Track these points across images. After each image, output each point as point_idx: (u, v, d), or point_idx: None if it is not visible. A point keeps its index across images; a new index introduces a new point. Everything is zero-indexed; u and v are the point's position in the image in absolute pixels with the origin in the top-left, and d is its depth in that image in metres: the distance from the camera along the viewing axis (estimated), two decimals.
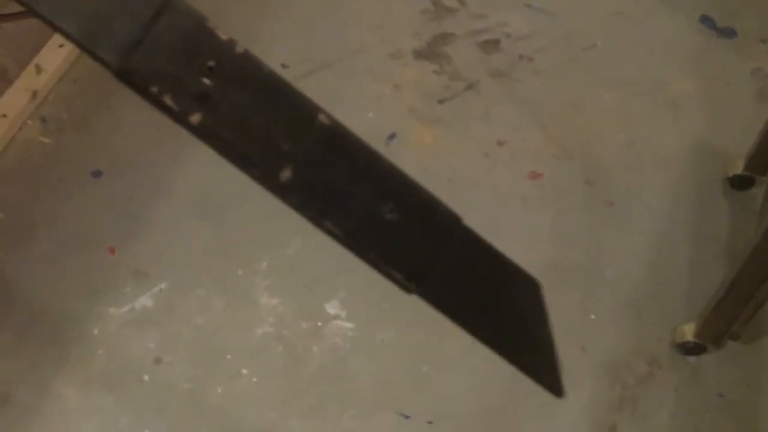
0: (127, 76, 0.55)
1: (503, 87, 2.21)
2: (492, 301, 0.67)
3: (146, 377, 1.62)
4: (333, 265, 1.80)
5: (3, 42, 1.99)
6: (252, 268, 1.79)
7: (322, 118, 0.58)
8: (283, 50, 2.19)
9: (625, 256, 1.92)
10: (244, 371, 1.65)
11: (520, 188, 2.01)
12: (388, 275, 0.61)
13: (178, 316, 1.70)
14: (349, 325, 1.74)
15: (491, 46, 2.30)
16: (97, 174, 1.88)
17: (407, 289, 0.62)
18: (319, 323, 1.73)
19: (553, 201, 2.00)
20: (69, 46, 2.05)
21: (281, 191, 0.57)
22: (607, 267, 1.90)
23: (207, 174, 1.91)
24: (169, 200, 1.87)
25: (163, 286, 1.74)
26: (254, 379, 1.64)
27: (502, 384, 1.71)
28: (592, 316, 1.81)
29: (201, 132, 0.55)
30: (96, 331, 1.66)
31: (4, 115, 1.91)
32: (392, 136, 2.03)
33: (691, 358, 1.78)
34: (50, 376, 1.60)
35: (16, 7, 2.02)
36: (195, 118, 0.55)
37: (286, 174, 0.56)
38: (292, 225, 1.78)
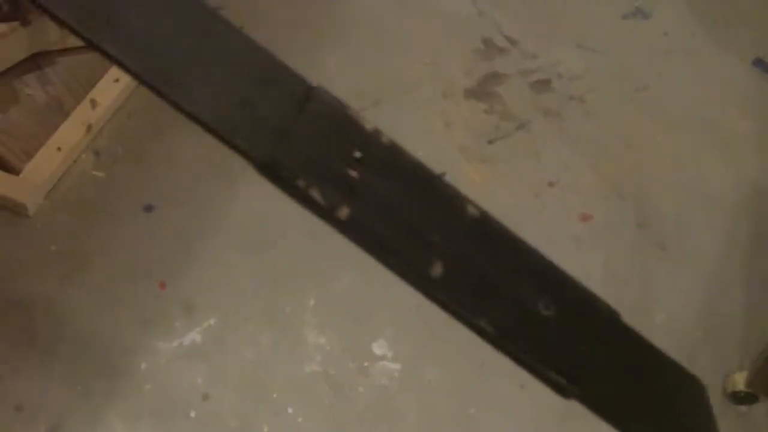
0: (271, 170, 0.51)
1: (554, 127, 2.20)
2: (653, 405, 0.60)
3: (193, 413, 1.62)
4: (380, 303, 1.79)
5: (60, 75, 2.02)
6: (301, 305, 1.79)
7: (470, 208, 0.54)
8: (335, 86, 2.19)
9: (677, 301, 1.90)
10: (290, 410, 1.65)
11: (571, 230, 1.99)
12: (543, 377, 0.55)
13: (227, 352, 1.71)
14: (395, 366, 1.73)
15: (542, 85, 2.30)
16: (149, 208, 1.90)
17: (564, 393, 0.56)
18: (366, 363, 1.72)
19: (604, 243, 1.98)
20: (124, 81, 2.07)
21: (432, 288, 0.52)
22: (658, 311, 1.88)
23: (258, 208, 1.91)
24: (220, 234, 1.88)
25: (212, 321, 1.74)
26: (300, 419, 1.64)
27: (549, 428, 1.68)
28: None
29: (349, 227, 0.51)
30: (144, 365, 1.67)
31: (59, 148, 1.93)
32: (442, 175, 2.02)
33: (743, 408, 1.75)
34: (99, 408, 1.61)
35: (73, 42, 2.05)
36: (343, 212, 0.51)
37: (437, 269, 0.52)
38: (341, 261, 1.78)
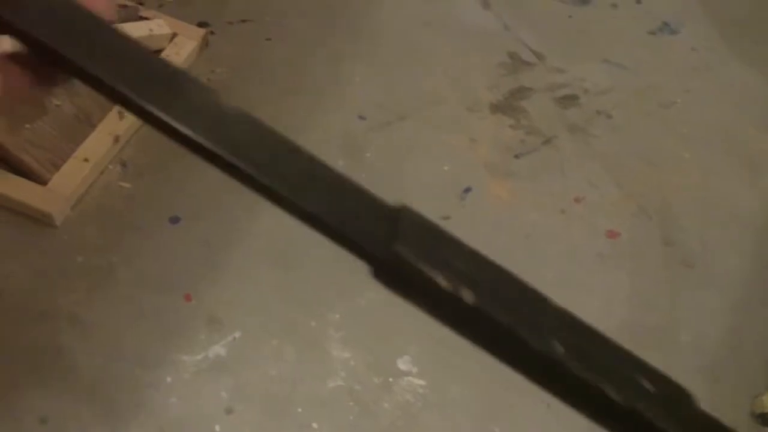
0: (396, 262, 0.51)
1: (580, 143, 2.19)
2: None
3: (217, 427, 1.62)
4: (405, 319, 1.79)
5: (88, 88, 2.03)
6: (325, 319, 1.79)
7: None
8: (360, 100, 2.21)
9: (704, 320, 1.88)
10: (315, 425, 1.64)
11: (597, 246, 1.98)
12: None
13: (251, 366, 1.71)
14: (420, 381, 1.72)
15: (569, 100, 2.29)
16: (175, 220, 1.90)
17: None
18: (390, 379, 1.72)
19: (630, 260, 1.97)
20: None
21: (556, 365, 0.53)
22: (684, 330, 1.86)
23: (283, 222, 1.90)
24: (246, 247, 1.88)
25: (237, 334, 1.74)
26: None
27: None
28: None
29: (475, 311, 0.50)
30: (169, 378, 1.67)
31: (86, 159, 1.94)
32: (468, 190, 2.02)
33: None
34: (124, 423, 1.61)
35: None
36: (467, 294, 0.50)
37: (558, 348, 0.52)
38: (366, 276, 1.78)
